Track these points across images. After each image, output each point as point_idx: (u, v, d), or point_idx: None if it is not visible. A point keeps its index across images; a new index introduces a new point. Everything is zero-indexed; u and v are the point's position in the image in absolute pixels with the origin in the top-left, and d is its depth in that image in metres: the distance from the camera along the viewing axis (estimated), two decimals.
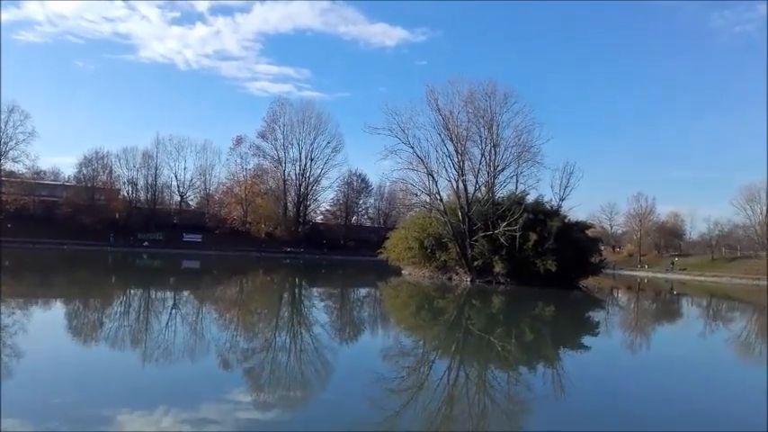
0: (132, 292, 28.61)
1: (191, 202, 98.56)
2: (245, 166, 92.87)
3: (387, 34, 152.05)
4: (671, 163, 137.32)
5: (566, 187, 43.88)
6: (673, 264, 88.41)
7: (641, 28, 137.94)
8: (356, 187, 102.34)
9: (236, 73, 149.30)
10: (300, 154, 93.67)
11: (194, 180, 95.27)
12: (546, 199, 43.84)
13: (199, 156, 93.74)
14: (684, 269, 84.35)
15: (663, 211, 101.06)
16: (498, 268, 38.94)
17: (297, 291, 36.07)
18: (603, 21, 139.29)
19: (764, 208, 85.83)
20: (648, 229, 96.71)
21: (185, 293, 29.18)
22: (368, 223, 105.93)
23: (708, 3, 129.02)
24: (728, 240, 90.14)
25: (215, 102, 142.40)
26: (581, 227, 44.26)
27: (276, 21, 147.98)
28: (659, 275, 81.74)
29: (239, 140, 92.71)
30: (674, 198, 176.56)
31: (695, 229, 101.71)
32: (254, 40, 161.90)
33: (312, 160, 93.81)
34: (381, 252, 49.82)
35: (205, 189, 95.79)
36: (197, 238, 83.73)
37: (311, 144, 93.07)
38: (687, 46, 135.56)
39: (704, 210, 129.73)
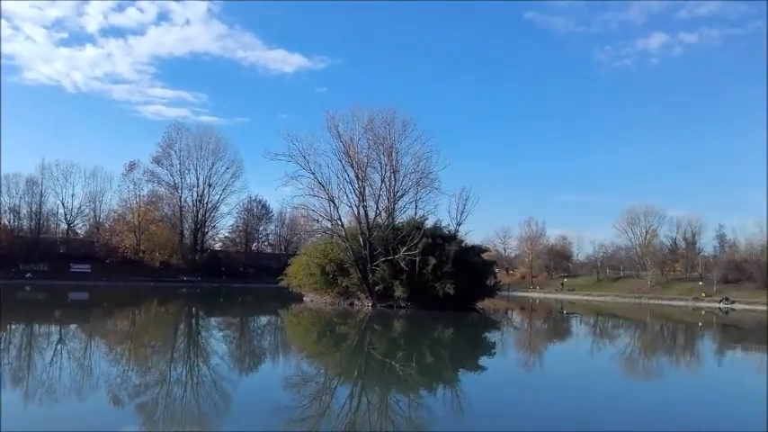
0: (12, 327, 26.61)
1: (79, 231, 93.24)
2: (138, 193, 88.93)
3: (286, 61, 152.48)
4: (559, 188, 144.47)
5: (462, 212, 45.17)
6: (562, 284, 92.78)
7: (532, 59, 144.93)
8: (256, 213, 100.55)
9: (128, 96, 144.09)
10: (198, 180, 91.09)
11: (83, 207, 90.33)
12: (444, 224, 44.85)
13: (88, 182, 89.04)
14: (573, 289, 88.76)
15: (552, 235, 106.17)
16: (399, 292, 39.43)
17: (194, 321, 34.95)
18: (498, 52, 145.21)
19: (644, 230, 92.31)
20: (539, 252, 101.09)
21: (72, 327, 27.51)
22: (269, 250, 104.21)
23: (591, 37, 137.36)
24: (612, 261, 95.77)
25: (106, 126, 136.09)
26: (477, 251, 45.69)
27: (171, 44, 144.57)
28: (550, 296, 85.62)
29: (132, 166, 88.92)
30: (563, 222, 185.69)
31: (582, 251, 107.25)
32: (148, 64, 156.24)
33: (210, 186, 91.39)
34: (282, 279, 49.18)
35: (95, 217, 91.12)
36: (85, 268, 79.19)
37: (209, 170, 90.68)
38: (573, 78, 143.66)
39: (590, 233, 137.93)
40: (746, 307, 61.21)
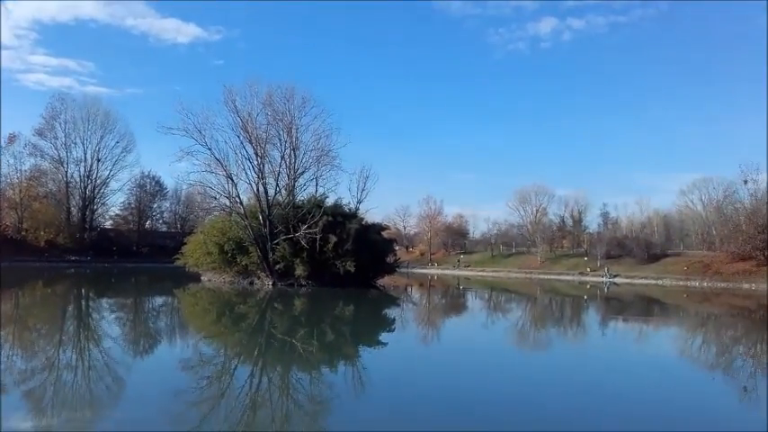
0: None
1: None
2: (19, 167, 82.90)
3: (180, 31, 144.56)
4: (456, 167, 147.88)
5: (363, 190, 45.36)
6: (459, 261, 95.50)
7: (428, 39, 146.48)
8: (150, 190, 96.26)
9: (7, 64, 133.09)
10: (86, 154, 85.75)
11: None
12: (345, 202, 44.89)
13: None
14: (469, 266, 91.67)
15: (450, 213, 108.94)
16: (300, 271, 39.27)
17: (83, 302, 33.29)
18: (396, 30, 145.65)
19: (534, 209, 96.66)
20: (437, 230, 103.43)
21: None
22: (164, 228, 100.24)
23: (485, 20, 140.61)
24: (505, 238, 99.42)
25: None
26: (377, 228, 46.22)
27: (54, 9, 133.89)
28: (448, 272, 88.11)
29: (12, 138, 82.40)
30: (459, 199, 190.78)
31: (477, 228, 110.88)
32: (28, 29, 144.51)
33: (99, 161, 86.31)
34: (179, 258, 47.67)
35: None
36: None
37: (98, 143, 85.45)
38: (469, 60, 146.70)
39: (484, 211, 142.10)
40: (626, 281, 65.62)
